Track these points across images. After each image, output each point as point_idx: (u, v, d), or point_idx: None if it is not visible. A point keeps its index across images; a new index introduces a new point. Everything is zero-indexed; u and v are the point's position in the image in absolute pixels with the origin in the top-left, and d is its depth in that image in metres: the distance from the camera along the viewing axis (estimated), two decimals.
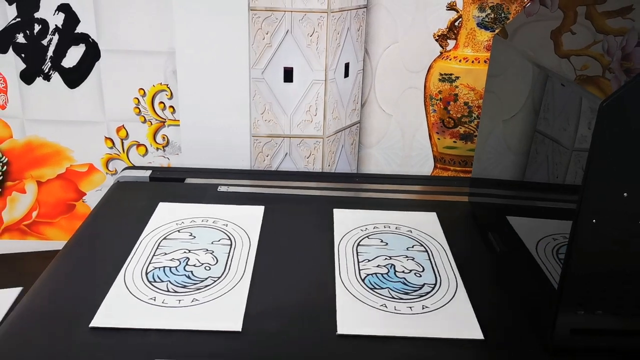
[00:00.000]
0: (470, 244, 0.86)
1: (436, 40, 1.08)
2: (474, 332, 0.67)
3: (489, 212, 0.90)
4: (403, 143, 1.15)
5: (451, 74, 1.09)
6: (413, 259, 0.81)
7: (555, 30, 0.92)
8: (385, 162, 1.16)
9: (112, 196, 0.98)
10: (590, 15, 0.90)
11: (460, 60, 1.08)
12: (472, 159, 1.16)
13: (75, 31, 1.04)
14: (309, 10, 1.03)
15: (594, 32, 0.86)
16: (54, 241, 1.18)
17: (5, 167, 1.13)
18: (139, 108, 1.10)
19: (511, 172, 0.82)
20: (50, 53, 1.05)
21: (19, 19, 1.03)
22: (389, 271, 0.78)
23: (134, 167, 1.09)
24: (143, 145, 1.12)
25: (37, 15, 1.03)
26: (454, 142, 1.14)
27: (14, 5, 1.02)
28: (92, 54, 1.05)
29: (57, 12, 1.03)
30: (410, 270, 0.78)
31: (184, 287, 0.72)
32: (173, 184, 1.02)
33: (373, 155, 1.16)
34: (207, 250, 0.81)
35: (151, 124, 1.11)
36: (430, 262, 0.81)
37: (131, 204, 0.94)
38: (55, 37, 1.04)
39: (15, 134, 1.11)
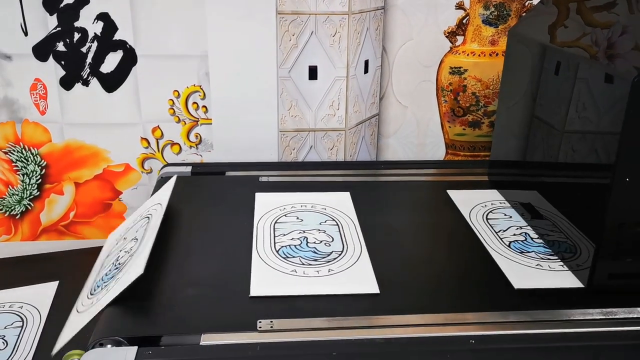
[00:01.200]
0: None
1: (446, 36, 1.18)
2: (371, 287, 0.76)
3: (509, 185, 1.01)
4: (418, 132, 1.25)
5: (460, 67, 1.20)
6: (325, 232, 0.90)
7: (551, 25, 1.04)
8: (402, 151, 1.26)
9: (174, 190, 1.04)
10: (580, 11, 1.02)
11: (468, 55, 1.19)
12: (479, 144, 1.27)
13: (114, 38, 1.10)
14: (332, 13, 1.12)
15: (583, 26, 0.98)
16: (91, 240, 1.24)
17: (44, 171, 1.18)
18: (173, 109, 1.17)
19: (521, 153, 0.94)
20: (89, 60, 1.11)
21: (59, 29, 1.09)
22: (301, 243, 0.87)
23: (173, 164, 1.16)
24: (177, 144, 1.19)
25: (76, 24, 1.09)
26: (463, 129, 1.25)
27: (55, 15, 1.08)
28: (129, 59, 1.12)
29: (96, 20, 1.09)
30: (321, 241, 0.88)
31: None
32: (216, 177, 1.09)
33: (391, 145, 1.26)
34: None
35: (185, 123, 1.18)
36: (340, 234, 0.90)
37: (198, 196, 1.01)
38: (94, 45, 1.10)
39: (54, 137, 1.16)
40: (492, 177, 1.06)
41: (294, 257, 0.82)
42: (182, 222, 0.92)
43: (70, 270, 1.15)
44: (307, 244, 0.85)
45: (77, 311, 0.78)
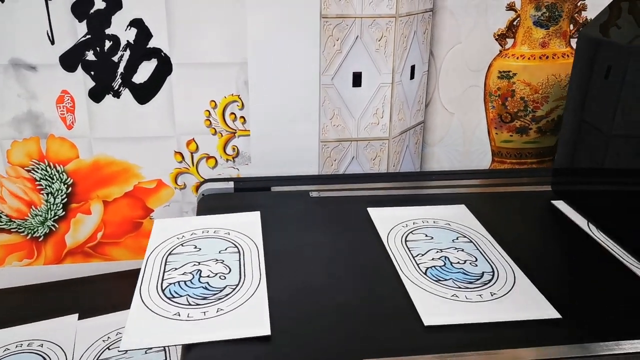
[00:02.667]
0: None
1: (496, 39, 1.13)
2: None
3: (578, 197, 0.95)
4: (464, 139, 1.19)
5: (509, 71, 1.15)
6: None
7: (603, 25, 0.99)
8: (446, 159, 1.21)
9: (219, 209, 0.97)
10: (632, 11, 0.97)
11: (517, 58, 1.14)
12: (526, 151, 1.22)
13: (147, 46, 1.03)
14: (378, 16, 1.06)
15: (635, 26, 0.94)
16: (119, 261, 1.16)
17: (70, 189, 1.10)
18: (209, 120, 1.09)
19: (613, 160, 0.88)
20: (120, 69, 1.03)
21: (89, 36, 1.01)
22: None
23: (212, 180, 1.08)
24: (213, 157, 1.12)
25: (108, 31, 1.01)
26: (510, 135, 1.20)
27: (84, 22, 1.00)
28: (164, 68, 1.04)
29: (129, 27, 1.01)
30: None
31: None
32: (262, 192, 1.02)
33: (435, 153, 1.20)
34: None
35: (221, 135, 1.11)
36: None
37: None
38: (127, 53, 1.03)
39: (82, 153, 1.08)
40: (557, 187, 1.01)
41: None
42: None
43: (90, 298, 1.07)
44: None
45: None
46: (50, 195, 1.10)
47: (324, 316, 0.69)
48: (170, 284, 0.75)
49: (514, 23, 1.12)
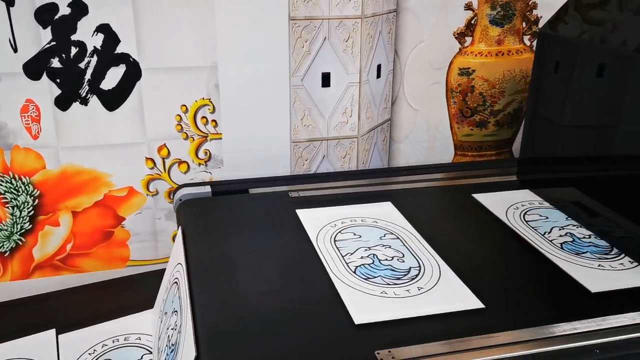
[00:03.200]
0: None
1: (456, 38, 1.18)
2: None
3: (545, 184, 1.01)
4: (428, 135, 1.24)
5: (468, 68, 1.20)
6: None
7: (553, 22, 1.06)
8: (412, 154, 1.25)
9: (200, 214, 0.97)
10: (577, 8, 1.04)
11: (475, 55, 1.19)
12: (486, 143, 1.27)
13: (115, 51, 1.01)
14: (345, 17, 1.09)
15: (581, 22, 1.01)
16: (90, 272, 1.13)
17: (37, 201, 1.06)
18: (180, 125, 1.08)
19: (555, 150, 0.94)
20: (88, 76, 1.01)
21: (54, 43, 0.98)
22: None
23: (188, 185, 1.07)
24: (185, 162, 1.11)
25: (74, 37, 0.98)
26: (471, 129, 1.25)
27: (49, 28, 0.97)
28: (133, 73, 1.03)
29: (95, 33, 0.99)
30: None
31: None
32: (239, 195, 1.02)
33: (402, 149, 1.24)
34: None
35: (193, 139, 1.10)
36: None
37: (230, 218, 0.94)
38: (94, 59, 1.00)
39: (49, 164, 1.05)
40: (522, 176, 1.07)
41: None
42: (230, 250, 0.85)
43: (66, 312, 1.03)
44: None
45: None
46: (15, 208, 1.06)
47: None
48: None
49: (472, 22, 1.17)
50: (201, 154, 1.11)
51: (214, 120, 1.10)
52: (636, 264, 0.81)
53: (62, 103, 1.02)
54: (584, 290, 0.76)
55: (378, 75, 1.16)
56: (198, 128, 1.10)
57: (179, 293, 0.80)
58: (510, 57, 1.21)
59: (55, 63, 0.99)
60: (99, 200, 1.09)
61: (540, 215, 0.96)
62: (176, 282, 0.84)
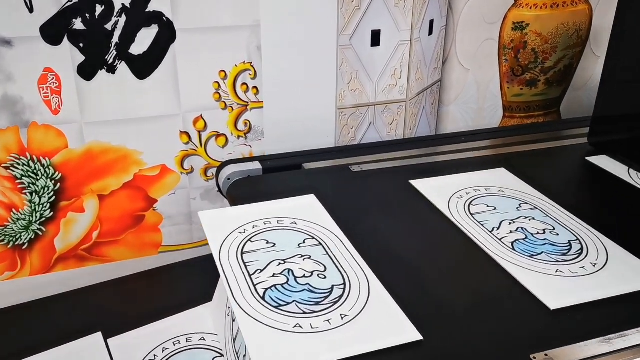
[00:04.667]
0: None
1: None
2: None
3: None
4: (478, 96, 1.14)
5: (522, 22, 1.10)
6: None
7: None
8: (461, 118, 1.15)
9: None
10: None
11: (530, 7, 1.10)
12: (534, 103, 1.19)
13: (147, 10, 0.87)
14: None
15: None
16: (118, 262, 1.01)
17: (58, 185, 0.93)
18: (219, 93, 0.96)
19: None
20: (115, 39, 0.87)
21: (76, 1, 0.83)
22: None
23: (234, 161, 0.95)
24: (223, 135, 0.99)
25: None
26: (521, 89, 1.17)
27: None
28: (167, 35, 0.89)
29: None
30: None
31: None
32: (295, 172, 0.91)
33: (450, 112, 1.15)
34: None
35: (232, 109, 0.98)
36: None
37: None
38: (122, 19, 0.86)
39: (72, 142, 0.91)
40: (594, 138, 0.99)
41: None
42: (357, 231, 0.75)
43: (107, 311, 0.90)
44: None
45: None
46: (34, 194, 0.92)
47: (467, 311, 0.63)
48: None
49: None
50: (241, 126, 0.99)
51: (255, 87, 0.98)
52: (599, 266, 0.70)
53: (86, 71, 0.88)
54: (542, 307, 0.63)
55: (430, 32, 1.06)
56: (238, 96, 0.97)
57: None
58: (565, 10, 1.12)
59: (78, 24, 0.85)
60: (129, 182, 0.97)
61: (488, 206, 0.84)
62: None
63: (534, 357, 0.54)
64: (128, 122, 0.93)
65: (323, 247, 0.72)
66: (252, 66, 0.96)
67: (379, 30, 1.01)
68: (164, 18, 0.88)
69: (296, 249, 0.71)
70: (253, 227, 0.76)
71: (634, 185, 0.88)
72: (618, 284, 0.67)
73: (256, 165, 0.93)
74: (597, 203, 0.88)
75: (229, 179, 0.90)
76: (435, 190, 0.87)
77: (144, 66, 0.90)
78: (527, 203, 0.84)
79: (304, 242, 0.73)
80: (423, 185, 0.88)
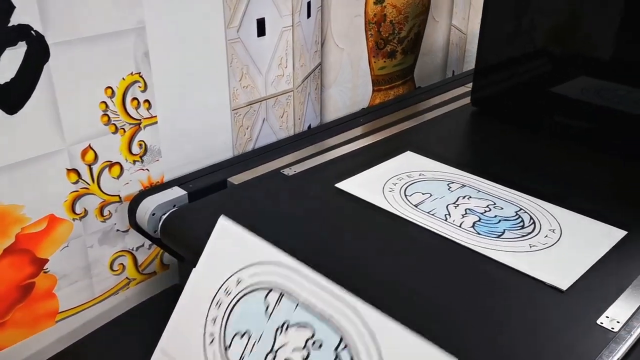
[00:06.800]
0: None
1: None
2: None
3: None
4: (352, 74, 1.13)
5: None
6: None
7: None
8: (340, 99, 1.13)
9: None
10: None
11: None
12: (395, 74, 1.23)
13: (9, 24, 0.66)
14: None
15: None
16: (9, 348, 0.79)
17: None
18: (107, 115, 0.79)
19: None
20: None
21: None
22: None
23: (146, 191, 0.79)
24: (117, 163, 0.82)
25: None
26: (384, 62, 1.18)
27: None
28: (38, 53, 0.69)
29: None
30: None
31: None
32: (225, 192, 0.80)
33: (332, 95, 1.11)
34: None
35: (124, 131, 0.81)
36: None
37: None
38: None
39: None
40: (476, 94, 1.04)
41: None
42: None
43: None
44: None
45: None
46: None
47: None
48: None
49: None
50: (135, 149, 0.84)
51: (147, 101, 0.82)
52: (558, 231, 0.72)
53: None
54: (555, 290, 0.63)
55: (308, 15, 1.00)
56: (129, 114, 0.81)
57: None
58: None
59: None
60: (10, 246, 0.75)
61: (423, 194, 0.81)
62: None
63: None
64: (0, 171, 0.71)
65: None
66: (141, 76, 0.81)
67: (263, 19, 0.92)
68: (32, 32, 0.68)
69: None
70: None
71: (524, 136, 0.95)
72: (589, 243, 0.70)
73: (177, 191, 0.79)
74: (504, 162, 0.91)
75: (153, 214, 0.75)
76: (365, 188, 0.82)
77: (13, 97, 0.69)
78: (453, 182, 0.84)
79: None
80: (350, 186, 0.83)
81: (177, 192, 0.79)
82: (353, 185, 0.83)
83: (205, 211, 0.73)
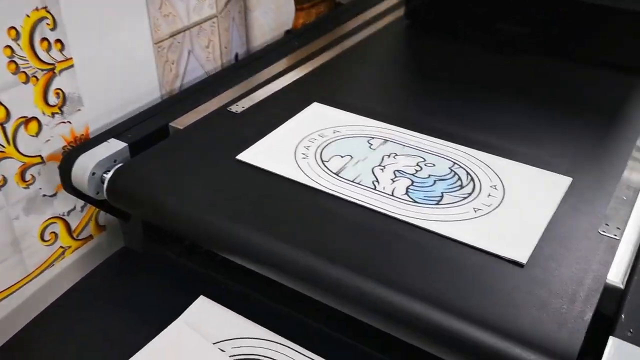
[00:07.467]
0: None
1: None
2: None
3: None
4: None
5: None
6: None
7: None
8: (265, 22, 1.03)
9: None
10: None
11: None
12: None
13: None
14: None
15: None
16: None
17: None
18: (14, 62, 0.65)
19: None
20: None
21: None
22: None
23: (78, 147, 0.67)
24: (33, 118, 0.69)
25: None
26: None
27: None
28: None
29: None
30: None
31: None
32: (174, 139, 0.70)
33: (257, 18, 1.01)
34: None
35: (36, 79, 0.68)
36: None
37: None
38: None
39: None
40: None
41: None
42: None
43: None
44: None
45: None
46: None
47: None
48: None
49: None
50: (52, 99, 0.71)
51: (58, 41, 0.70)
52: (500, 188, 0.64)
53: None
54: (514, 265, 0.54)
55: None
56: (40, 58, 0.68)
57: None
58: None
59: None
60: None
61: (342, 157, 0.69)
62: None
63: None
64: None
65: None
66: (49, 11, 0.67)
67: None
68: None
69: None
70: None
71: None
72: (535, 199, 0.62)
73: (116, 144, 0.68)
74: (427, 110, 0.79)
75: (93, 173, 0.65)
76: (270, 158, 0.68)
77: None
78: (373, 137, 0.73)
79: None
80: (251, 156, 0.68)
81: (115, 144, 0.68)
82: (254, 155, 0.68)
83: (155, 162, 0.64)
